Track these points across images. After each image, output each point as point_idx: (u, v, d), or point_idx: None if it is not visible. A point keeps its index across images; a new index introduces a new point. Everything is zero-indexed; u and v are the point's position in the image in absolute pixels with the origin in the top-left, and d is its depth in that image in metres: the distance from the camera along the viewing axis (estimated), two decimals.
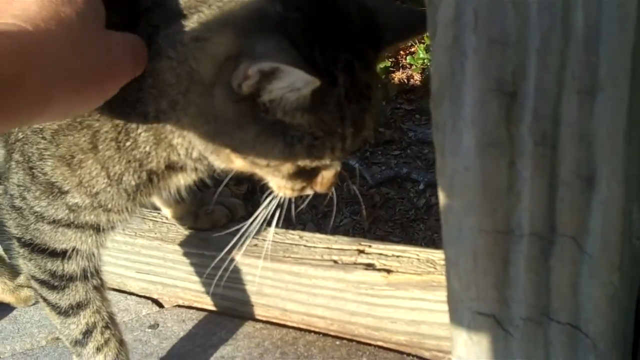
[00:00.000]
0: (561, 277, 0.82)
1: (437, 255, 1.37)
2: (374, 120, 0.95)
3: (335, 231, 2.32)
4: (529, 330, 0.88)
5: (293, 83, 0.83)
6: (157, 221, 1.60)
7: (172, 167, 1.08)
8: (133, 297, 1.68)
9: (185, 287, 1.60)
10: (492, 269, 0.86)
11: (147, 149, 1.04)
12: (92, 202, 1.09)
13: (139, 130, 1.02)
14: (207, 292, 1.58)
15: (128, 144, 1.03)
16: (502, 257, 0.84)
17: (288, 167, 0.95)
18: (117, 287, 1.66)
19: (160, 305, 1.66)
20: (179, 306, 1.64)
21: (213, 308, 1.61)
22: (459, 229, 0.86)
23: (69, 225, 1.13)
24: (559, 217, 0.78)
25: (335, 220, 2.89)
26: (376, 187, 2.96)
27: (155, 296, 1.67)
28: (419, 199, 2.89)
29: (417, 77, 3.45)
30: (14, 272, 1.69)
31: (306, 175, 0.99)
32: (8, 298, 1.70)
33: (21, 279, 1.68)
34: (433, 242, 2.58)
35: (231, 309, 1.57)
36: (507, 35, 0.69)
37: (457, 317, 0.93)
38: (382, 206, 2.90)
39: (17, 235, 1.19)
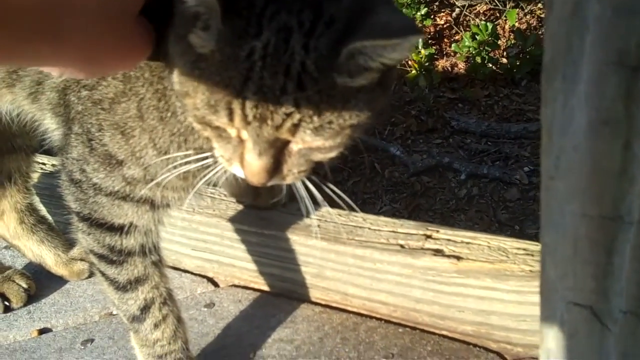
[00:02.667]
0: None
1: (509, 244, 1.33)
2: (303, 113, 0.79)
3: None
4: (629, 325, 0.83)
5: None
6: (215, 198, 1.57)
7: None
8: (188, 275, 1.65)
9: (242, 267, 1.57)
10: (593, 257, 0.81)
11: (187, 122, 1.00)
12: (145, 175, 1.08)
13: (174, 98, 0.99)
14: (265, 273, 1.54)
15: (169, 114, 1.01)
16: (606, 245, 0.79)
17: (193, 103, 0.83)
18: (171, 265, 1.63)
19: (216, 285, 1.63)
20: (235, 286, 1.61)
21: (269, 289, 1.57)
22: (560, 213, 0.81)
23: (124, 198, 1.12)
24: None
25: (374, 208, 2.86)
26: (417, 175, 2.94)
27: (210, 275, 1.64)
28: (460, 189, 2.87)
29: (462, 65, 3.43)
30: (68, 244, 1.67)
31: (225, 140, 0.87)
32: (61, 271, 1.68)
33: (75, 252, 1.67)
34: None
35: (289, 291, 1.54)
36: (636, 2, 0.64)
37: (550, 307, 0.88)
38: (423, 195, 2.89)
39: (76, 210, 1.18)
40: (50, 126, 1.23)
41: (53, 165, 1.78)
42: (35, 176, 1.72)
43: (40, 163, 1.78)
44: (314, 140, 0.83)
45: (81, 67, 0.79)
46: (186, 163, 1.00)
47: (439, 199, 2.85)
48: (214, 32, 0.78)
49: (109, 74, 1.01)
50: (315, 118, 0.80)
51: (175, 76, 0.85)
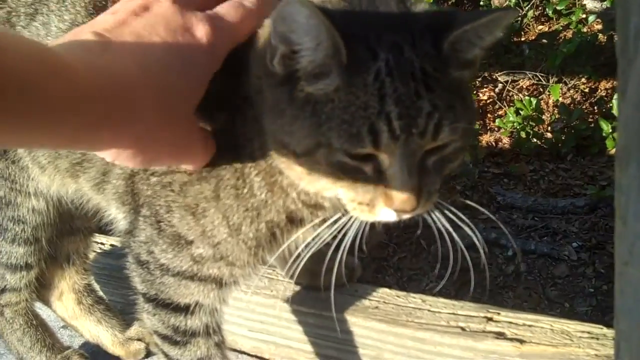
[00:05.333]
0: None
1: (572, 327, 1.31)
2: (440, 110, 0.84)
3: None
4: None
5: (299, 20, 0.80)
6: (272, 278, 1.58)
7: (293, 220, 1.06)
8: (244, 356, 1.65)
9: (299, 348, 1.56)
10: None
11: (263, 196, 1.02)
12: (214, 253, 1.09)
13: (252, 175, 1.01)
14: (322, 354, 1.53)
15: (245, 190, 1.02)
16: None
17: (324, 155, 0.85)
18: (228, 346, 1.62)
19: None
20: None
21: None
22: (635, 299, 0.80)
23: (192, 277, 1.13)
24: None
25: (421, 285, 2.83)
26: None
27: (267, 356, 1.64)
28: (508, 266, 2.82)
29: (506, 140, 3.41)
30: (125, 324, 1.68)
31: (363, 180, 0.88)
32: (118, 350, 1.69)
33: (131, 332, 1.68)
34: (523, 311, 2.50)
35: None
36: None
37: None
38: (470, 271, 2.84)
39: (143, 291, 1.19)
40: (117, 216, 1.26)
41: (112, 245, 1.81)
42: (92, 256, 1.74)
43: (99, 243, 1.80)
44: (452, 139, 0.86)
45: (135, 155, 0.84)
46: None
47: (487, 276, 2.81)
48: (335, 72, 0.83)
49: (162, 165, 1.04)
50: (450, 114, 0.84)
51: (297, 140, 0.87)
